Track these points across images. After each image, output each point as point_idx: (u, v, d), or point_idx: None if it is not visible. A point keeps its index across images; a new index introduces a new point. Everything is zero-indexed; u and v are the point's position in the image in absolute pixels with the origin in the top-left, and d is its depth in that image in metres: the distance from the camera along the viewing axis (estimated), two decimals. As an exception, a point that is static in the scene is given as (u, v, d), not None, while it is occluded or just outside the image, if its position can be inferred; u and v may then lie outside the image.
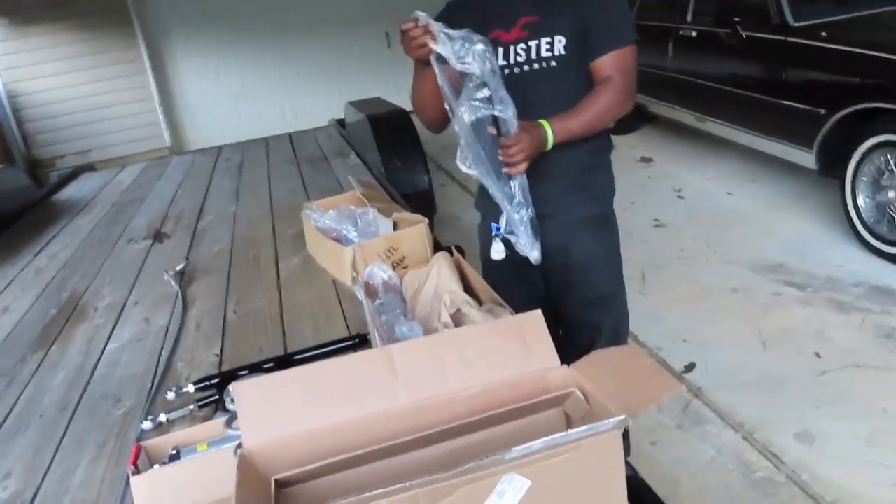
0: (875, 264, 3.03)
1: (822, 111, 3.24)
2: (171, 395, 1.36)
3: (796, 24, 3.51)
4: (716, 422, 2.19)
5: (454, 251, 1.51)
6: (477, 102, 1.34)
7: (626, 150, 5.18)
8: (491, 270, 1.66)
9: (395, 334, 1.28)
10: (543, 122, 1.45)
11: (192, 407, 1.30)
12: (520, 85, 1.48)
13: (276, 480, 0.78)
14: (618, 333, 1.74)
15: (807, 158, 3.44)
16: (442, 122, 1.55)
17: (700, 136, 4.67)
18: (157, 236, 2.59)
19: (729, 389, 2.32)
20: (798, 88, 3.46)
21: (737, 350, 2.57)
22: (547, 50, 1.49)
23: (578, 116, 1.48)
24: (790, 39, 3.51)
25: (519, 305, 1.72)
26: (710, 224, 3.72)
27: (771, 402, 2.24)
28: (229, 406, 1.19)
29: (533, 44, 1.50)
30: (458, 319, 1.21)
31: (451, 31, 1.33)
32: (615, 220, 1.69)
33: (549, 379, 0.93)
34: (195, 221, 2.73)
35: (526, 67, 1.52)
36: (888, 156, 2.99)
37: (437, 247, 1.82)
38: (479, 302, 1.36)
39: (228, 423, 1.07)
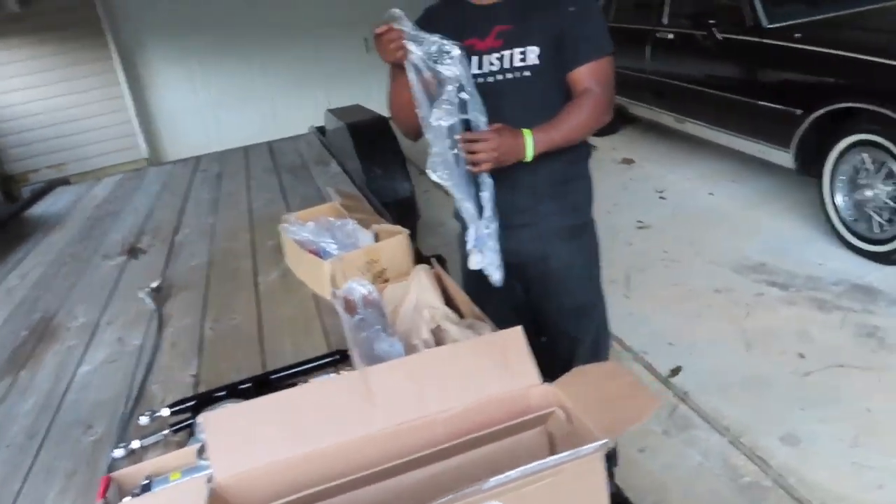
0: (854, 262, 3.05)
1: (799, 111, 3.26)
2: (144, 420, 1.31)
3: (770, 26, 3.54)
4: (702, 426, 2.19)
5: (434, 263, 1.49)
6: (448, 106, 1.32)
7: (607, 152, 5.20)
8: (472, 280, 1.64)
9: (374, 351, 1.25)
10: (526, 131, 1.43)
11: (166, 432, 1.25)
12: (493, 94, 1.46)
13: (248, 515, 0.75)
14: (598, 344, 1.73)
15: (785, 158, 3.46)
16: (418, 129, 1.53)
17: (680, 136, 4.69)
18: (132, 252, 2.53)
19: (715, 392, 2.32)
20: (774, 89, 3.49)
21: (722, 352, 2.57)
22: (520, 59, 1.48)
23: (560, 127, 1.47)
24: (765, 41, 3.53)
25: (500, 315, 1.71)
26: (693, 224, 3.74)
27: (756, 404, 2.24)
28: (200, 435, 1.15)
29: (507, 53, 1.49)
30: (438, 335, 1.18)
31: (425, 35, 1.31)
32: (594, 229, 1.67)
33: (530, 397, 0.90)
34: (172, 235, 2.68)
35: (500, 77, 1.50)
36: (864, 155, 3.02)
37: (418, 257, 1.79)
38: (461, 315, 1.34)
39: (200, 453, 1.04)
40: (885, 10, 3.66)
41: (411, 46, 1.32)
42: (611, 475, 0.84)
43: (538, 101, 1.50)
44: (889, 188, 2.93)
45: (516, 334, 0.93)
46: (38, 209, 3.65)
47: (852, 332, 2.57)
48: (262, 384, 1.38)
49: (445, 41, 1.31)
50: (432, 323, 1.18)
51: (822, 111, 3.14)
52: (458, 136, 1.37)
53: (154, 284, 2.06)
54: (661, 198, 4.20)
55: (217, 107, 6.67)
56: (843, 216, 3.16)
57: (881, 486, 1.87)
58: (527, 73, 1.49)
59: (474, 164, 1.39)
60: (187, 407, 1.32)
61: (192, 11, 6.24)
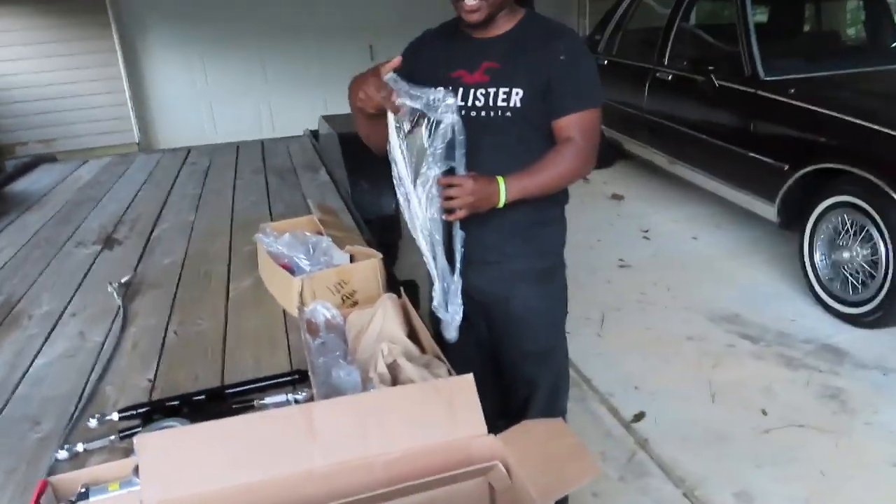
0: (826, 321, 3.08)
1: (786, 167, 3.31)
2: (93, 423, 1.29)
3: (767, 79, 3.59)
4: (658, 475, 2.19)
5: (402, 293, 1.48)
6: (441, 151, 1.34)
7: (598, 186, 5.24)
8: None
9: (331, 378, 1.25)
10: (500, 178, 1.44)
11: (113, 437, 1.24)
12: (474, 129, 1.47)
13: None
14: (557, 390, 1.73)
15: (768, 211, 3.50)
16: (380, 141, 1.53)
17: (671, 177, 4.74)
18: (108, 242, 2.51)
19: (675, 442, 2.33)
20: (764, 141, 3.53)
21: (686, 401, 2.58)
22: (503, 100, 1.49)
23: (535, 177, 1.47)
24: (759, 92, 3.58)
25: (463, 351, 1.72)
26: (673, 267, 3.76)
27: (714, 457, 2.25)
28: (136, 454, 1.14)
29: (492, 90, 1.50)
30: (393, 371, 1.18)
31: (414, 90, 1.34)
32: (563, 274, 1.68)
33: (473, 448, 0.90)
34: (150, 229, 2.65)
35: (483, 113, 1.51)
36: (845, 216, 3.06)
37: (391, 282, 1.79)
38: (422, 350, 1.34)
39: (136, 471, 1.02)
40: (882, 73, 3.73)
41: (407, 99, 1.34)
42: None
43: (517, 142, 1.51)
44: (866, 252, 2.97)
45: (466, 382, 0.93)
46: (20, 185, 3.60)
47: (816, 392, 2.59)
48: (217, 397, 1.37)
49: (435, 91, 1.33)
50: (389, 357, 1.18)
51: (808, 169, 3.18)
52: (438, 179, 1.38)
53: (124, 279, 2.04)
54: (645, 237, 4.23)
55: (214, 99, 6.64)
56: (820, 274, 3.20)
57: (827, 551, 1.88)
58: (508, 115, 1.50)
59: (449, 211, 1.40)
60: (138, 413, 1.31)
61: (197, 2, 6.23)
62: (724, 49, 4.13)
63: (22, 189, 3.53)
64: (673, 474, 2.18)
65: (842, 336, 2.96)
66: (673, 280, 3.58)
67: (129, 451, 1.19)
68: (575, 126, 1.49)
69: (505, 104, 1.49)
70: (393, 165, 1.42)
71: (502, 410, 1.77)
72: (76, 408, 1.38)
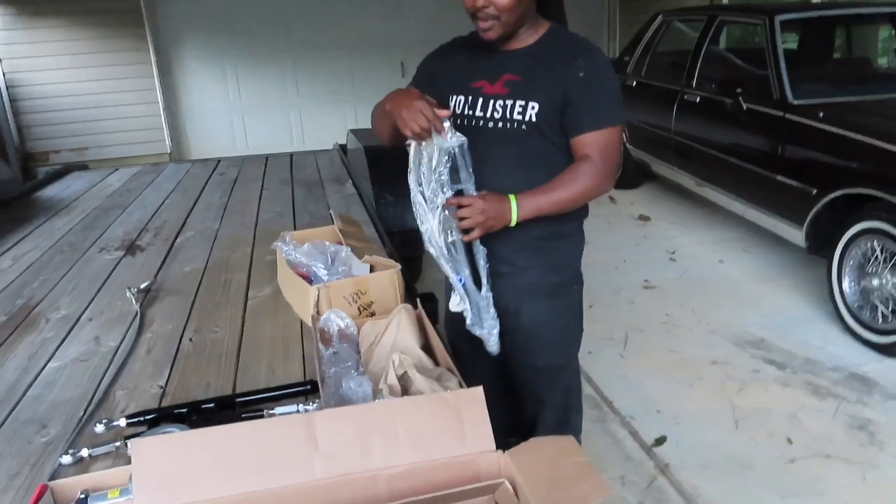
0: (855, 350, 2.98)
1: (814, 191, 3.23)
2: (100, 428, 1.29)
3: (796, 102, 3.52)
4: (678, 502, 2.12)
5: (418, 304, 1.46)
6: (445, 178, 1.36)
7: (625, 206, 5.18)
8: (452, 323, 1.61)
9: (341, 388, 1.23)
10: (511, 196, 1.43)
11: (118, 443, 1.23)
12: (489, 140, 1.46)
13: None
14: (567, 408, 1.68)
15: (796, 235, 3.42)
16: (393, 138, 1.57)
17: (699, 199, 4.66)
18: (131, 248, 2.53)
19: (696, 468, 2.25)
20: (792, 165, 3.46)
21: (709, 426, 2.50)
22: (519, 113, 1.47)
23: (549, 196, 1.45)
24: (788, 116, 3.51)
25: (475, 363, 1.69)
26: (699, 290, 3.68)
27: (736, 486, 2.17)
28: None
29: (509, 103, 1.49)
30: (404, 382, 1.15)
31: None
32: (578, 290, 1.64)
33: (480, 464, 0.87)
34: (174, 236, 2.68)
35: (500, 125, 1.50)
36: (874, 243, 2.97)
37: (409, 293, 1.77)
38: (436, 362, 1.31)
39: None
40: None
41: (446, 135, 1.39)
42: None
43: (533, 156, 1.49)
44: (897, 279, 2.88)
45: (476, 395, 0.90)
46: (50, 191, 3.68)
47: (844, 422, 2.50)
48: (226, 405, 1.35)
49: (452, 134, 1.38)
50: (400, 369, 1.16)
51: (837, 193, 3.10)
52: (446, 200, 1.40)
53: (143, 285, 2.05)
54: (671, 259, 4.16)
55: (245, 112, 6.74)
56: (849, 302, 3.10)
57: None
58: (523, 128, 1.48)
59: (465, 231, 1.42)
60: (145, 420, 1.30)
61: (231, 17, 6.36)
62: (752, 72, 4.07)
63: (51, 195, 3.60)
64: (693, 501, 2.11)
65: (871, 365, 2.86)
66: (698, 303, 3.51)
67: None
68: (592, 144, 1.46)
69: (521, 117, 1.47)
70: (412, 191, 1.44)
71: (513, 427, 1.74)
72: (84, 412, 1.38)
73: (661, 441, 2.41)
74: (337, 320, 1.39)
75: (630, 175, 5.49)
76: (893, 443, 2.37)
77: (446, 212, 1.42)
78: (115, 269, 2.30)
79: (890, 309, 2.90)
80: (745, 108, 3.81)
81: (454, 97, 1.58)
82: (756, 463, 2.28)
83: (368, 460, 0.84)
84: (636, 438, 2.44)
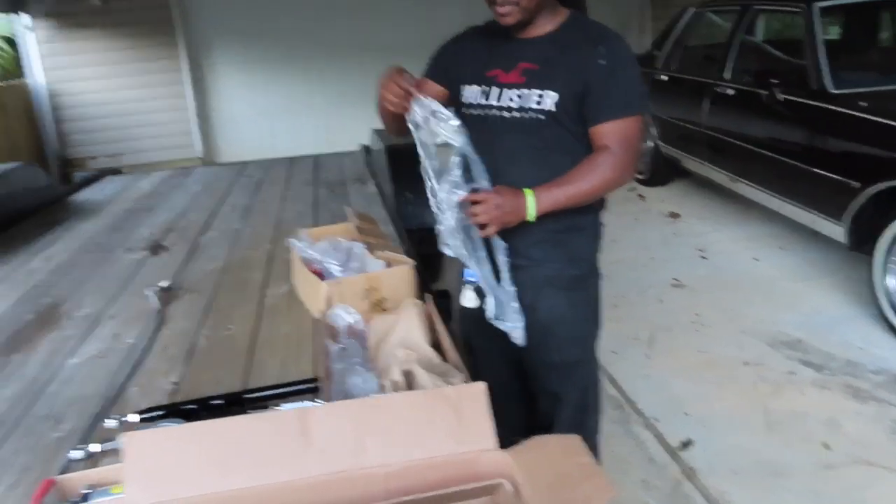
0: (899, 351, 2.85)
1: (856, 184, 3.10)
2: (112, 423, 1.29)
3: (836, 92, 3.39)
4: (705, 508, 2.04)
5: (427, 299, 1.43)
6: (455, 179, 1.33)
7: (654, 203, 5.08)
8: (466, 318, 1.58)
9: (346, 385, 1.20)
10: (527, 190, 1.39)
11: (128, 439, 1.23)
12: (506, 130, 1.42)
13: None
14: (584, 407, 1.63)
15: (836, 231, 3.28)
16: (400, 129, 1.52)
17: (731, 195, 4.53)
18: (155, 248, 2.56)
19: (725, 474, 2.17)
20: (832, 158, 3.32)
21: (740, 430, 2.41)
22: (537, 102, 1.43)
23: (567, 188, 1.41)
24: (828, 106, 3.38)
25: (487, 360, 1.65)
26: (731, 289, 3.57)
27: (768, 494, 2.08)
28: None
29: (526, 92, 1.45)
30: (409, 378, 1.12)
31: (424, 100, 1.36)
32: (596, 284, 1.58)
33: (480, 463, 0.83)
34: (197, 236, 2.71)
35: (517, 114, 1.46)
36: (921, 238, 2.83)
37: (424, 289, 1.74)
38: (444, 358, 1.28)
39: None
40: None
41: (414, 106, 1.37)
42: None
43: (551, 147, 1.45)
44: (945, 277, 2.74)
45: (477, 391, 0.87)
46: (84, 195, 3.75)
47: (887, 427, 2.38)
48: (234, 402, 1.34)
49: (443, 109, 1.34)
50: (405, 365, 1.13)
51: (881, 186, 2.97)
52: (460, 198, 1.37)
53: (164, 284, 2.07)
54: (702, 257, 4.05)
55: (273, 116, 6.82)
56: (893, 300, 2.96)
57: None
58: (541, 118, 1.44)
59: (481, 227, 1.39)
60: (155, 416, 1.29)
61: (260, 23, 6.45)
62: (788, 62, 3.94)
63: (85, 199, 3.67)
64: (722, 508, 2.03)
65: (917, 367, 2.73)
66: (730, 302, 3.40)
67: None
68: (612, 134, 1.42)
69: (539, 107, 1.43)
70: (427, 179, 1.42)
71: (529, 424, 1.69)
72: (99, 407, 1.38)
73: (687, 444, 2.33)
74: (345, 316, 1.36)
75: (660, 172, 5.37)
76: (939, 448, 2.25)
77: (463, 209, 1.40)
78: (138, 268, 2.33)
79: (936, 308, 2.76)
80: (781, 99, 3.68)
81: (468, 86, 1.55)
82: (790, 469, 2.19)
83: (364, 457, 0.81)
84: (661, 441, 2.36)
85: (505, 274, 1.46)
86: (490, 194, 1.37)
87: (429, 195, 1.44)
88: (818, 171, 3.38)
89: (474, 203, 1.37)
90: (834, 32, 4.63)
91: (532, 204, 1.39)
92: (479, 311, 1.49)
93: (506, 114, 1.47)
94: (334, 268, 1.75)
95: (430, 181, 1.41)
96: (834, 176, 3.28)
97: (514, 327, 1.45)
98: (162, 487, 0.75)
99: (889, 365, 2.76)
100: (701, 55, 4.93)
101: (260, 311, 1.88)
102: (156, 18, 6.09)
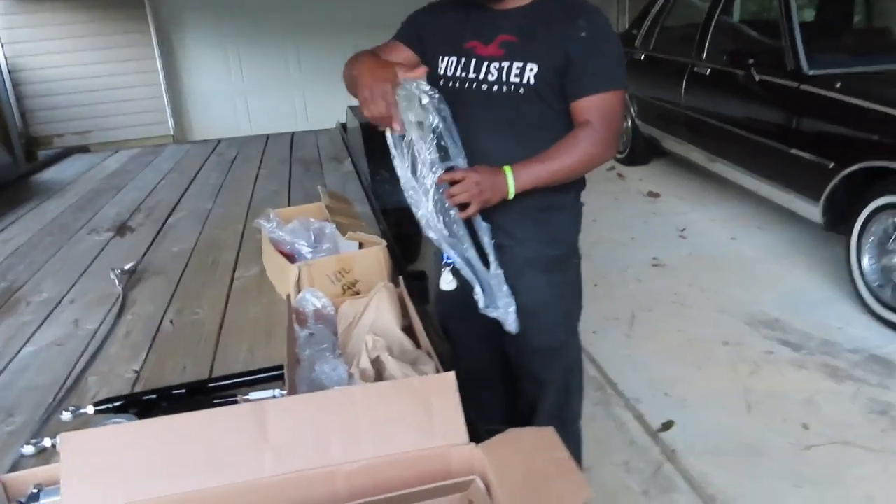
0: (875, 330, 2.86)
1: (831, 164, 3.09)
2: (67, 416, 1.22)
3: (811, 73, 3.37)
4: (685, 491, 2.03)
5: (401, 282, 1.38)
6: (434, 158, 1.25)
7: (634, 183, 5.05)
8: (443, 301, 1.53)
9: (314, 373, 1.15)
10: (506, 168, 1.33)
11: (83, 432, 1.16)
12: (484, 103, 1.36)
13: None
14: (568, 390, 1.60)
15: (812, 211, 3.28)
16: None
17: (710, 175, 4.52)
18: (121, 229, 2.47)
19: (705, 455, 2.16)
20: (808, 138, 3.31)
21: (719, 411, 2.40)
22: (516, 75, 1.38)
23: (548, 165, 1.36)
24: (803, 87, 3.36)
25: (470, 345, 1.60)
26: (710, 268, 3.56)
27: (748, 473, 2.07)
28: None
29: (505, 65, 1.39)
30: (378, 366, 1.07)
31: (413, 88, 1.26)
32: (577, 265, 1.54)
33: (451, 458, 0.78)
34: (165, 216, 2.62)
35: (495, 88, 1.40)
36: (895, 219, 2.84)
37: (397, 271, 1.68)
38: (417, 344, 1.23)
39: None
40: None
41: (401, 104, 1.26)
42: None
43: (531, 121, 1.39)
44: (920, 257, 2.75)
45: (447, 381, 0.82)
46: (47, 174, 3.63)
47: (864, 407, 2.39)
48: (197, 391, 1.28)
49: (426, 86, 1.25)
50: (373, 352, 1.07)
51: (855, 167, 2.96)
52: (437, 178, 1.30)
53: (128, 266, 1.99)
54: (681, 236, 4.03)
55: (248, 93, 6.66)
56: (868, 280, 2.97)
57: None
58: (521, 91, 1.39)
59: (461, 208, 1.32)
60: (113, 407, 1.23)
61: (232, -4, 6.25)
62: (765, 42, 3.90)
63: (48, 178, 3.55)
64: (702, 491, 2.02)
65: (892, 346, 2.74)
66: (709, 281, 3.39)
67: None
68: (594, 109, 1.37)
69: (518, 80, 1.38)
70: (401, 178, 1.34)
71: (509, 409, 1.66)
72: (54, 399, 1.31)
73: (668, 425, 2.32)
74: (313, 300, 1.30)
75: (639, 151, 5.35)
76: (915, 428, 2.26)
77: (440, 191, 1.33)
78: (102, 250, 2.24)
79: (912, 287, 2.77)
80: (757, 79, 3.66)
81: (444, 58, 1.48)
82: (769, 449, 2.18)
83: (325, 454, 0.76)
84: (641, 422, 2.35)
85: (492, 257, 1.40)
86: (469, 172, 1.31)
87: (403, 184, 1.36)
88: (794, 151, 3.36)
89: (452, 183, 1.31)
90: (809, 14, 4.61)
91: (512, 181, 1.33)
92: (457, 293, 1.44)
93: (484, 87, 1.41)
94: (304, 249, 1.68)
95: (407, 167, 1.34)
96: (809, 156, 3.26)
97: (507, 313, 1.40)
98: (104, 492, 0.69)
99: (865, 344, 2.77)
100: (679, 35, 4.89)
101: (229, 295, 1.81)
102: (122, -10, 5.87)
